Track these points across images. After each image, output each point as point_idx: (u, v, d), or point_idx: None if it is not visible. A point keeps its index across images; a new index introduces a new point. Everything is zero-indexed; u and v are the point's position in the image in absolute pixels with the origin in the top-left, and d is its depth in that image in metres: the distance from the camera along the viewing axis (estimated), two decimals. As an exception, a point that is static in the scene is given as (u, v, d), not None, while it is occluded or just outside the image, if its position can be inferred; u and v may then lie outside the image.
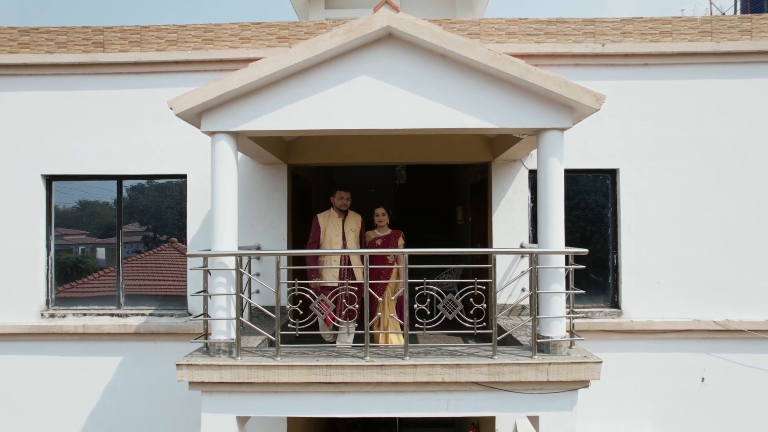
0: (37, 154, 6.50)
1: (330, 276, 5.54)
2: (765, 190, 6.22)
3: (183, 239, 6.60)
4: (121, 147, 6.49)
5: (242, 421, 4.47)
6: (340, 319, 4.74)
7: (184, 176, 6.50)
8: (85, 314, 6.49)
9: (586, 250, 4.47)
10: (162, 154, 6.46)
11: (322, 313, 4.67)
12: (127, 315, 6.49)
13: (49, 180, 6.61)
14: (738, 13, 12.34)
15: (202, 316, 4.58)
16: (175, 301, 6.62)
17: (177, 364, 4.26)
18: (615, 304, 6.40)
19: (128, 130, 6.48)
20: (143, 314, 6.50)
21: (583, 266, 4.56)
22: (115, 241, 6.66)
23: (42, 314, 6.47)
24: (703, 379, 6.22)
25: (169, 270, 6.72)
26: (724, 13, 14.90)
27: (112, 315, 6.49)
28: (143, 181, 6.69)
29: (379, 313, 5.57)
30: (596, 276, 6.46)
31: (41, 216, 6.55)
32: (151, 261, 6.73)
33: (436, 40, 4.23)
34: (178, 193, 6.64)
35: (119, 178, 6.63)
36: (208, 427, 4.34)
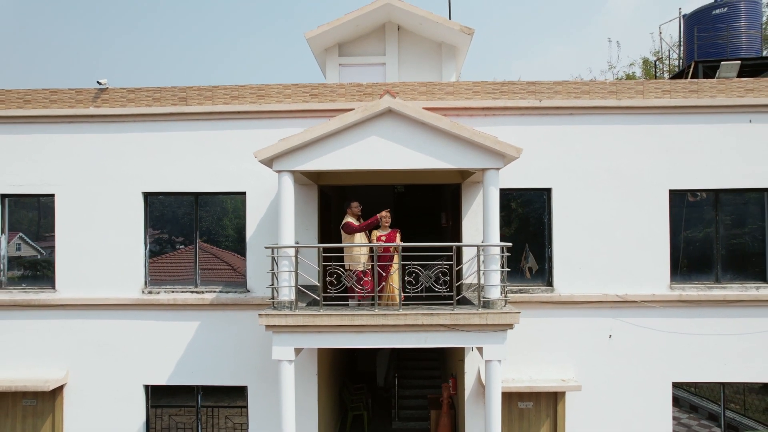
0: (138, 177, 9.15)
1: (356, 260, 8.11)
2: (653, 204, 8.83)
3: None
4: (198, 172, 9.13)
5: (297, 351, 7.10)
6: (359, 287, 7.36)
7: (243, 193, 9.14)
8: (173, 291, 9.13)
9: (510, 244, 7.13)
10: (228, 177, 9.09)
11: (348, 284, 7.28)
12: (202, 292, 9.13)
13: (146, 196, 9.25)
14: (682, 54, 14.94)
15: (271, 287, 7.20)
16: (235, 282, 9.23)
17: (259, 315, 6.89)
18: (549, 283, 9.01)
19: (203, 160, 9.12)
20: (214, 291, 9.13)
21: (510, 254, 7.19)
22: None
23: (142, 291, 9.11)
24: (610, 336, 8.83)
25: (231, 261, 9.34)
26: (671, 47, 17.56)
27: (192, 292, 9.13)
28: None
29: (383, 283, 8.18)
30: (537, 264, 9.09)
31: (141, 221, 9.20)
32: (209, 255, 9.35)
33: (418, 115, 6.88)
34: (239, 205, 9.25)
35: (196, 195, 9.27)
36: (277, 355, 6.97)
